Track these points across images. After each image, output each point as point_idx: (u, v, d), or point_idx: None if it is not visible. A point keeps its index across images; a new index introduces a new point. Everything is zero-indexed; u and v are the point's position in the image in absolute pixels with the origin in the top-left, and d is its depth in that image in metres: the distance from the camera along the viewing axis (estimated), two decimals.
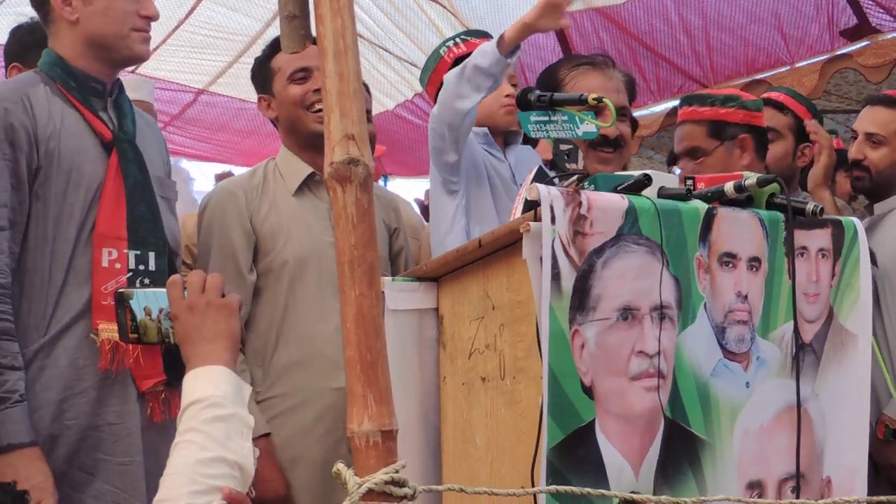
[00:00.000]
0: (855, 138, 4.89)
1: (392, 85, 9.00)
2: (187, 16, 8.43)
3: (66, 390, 3.44)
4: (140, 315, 2.74)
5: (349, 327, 2.07)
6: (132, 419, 3.52)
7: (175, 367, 3.50)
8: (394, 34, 8.67)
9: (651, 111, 8.33)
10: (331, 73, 2.08)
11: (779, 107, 4.90)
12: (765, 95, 5.03)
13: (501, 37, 3.74)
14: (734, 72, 7.97)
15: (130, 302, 2.74)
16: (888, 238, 4.67)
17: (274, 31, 5.11)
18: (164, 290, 2.72)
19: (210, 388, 2.53)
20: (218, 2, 8.40)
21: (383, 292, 3.22)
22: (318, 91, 3.89)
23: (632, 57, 8.14)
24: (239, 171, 8.27)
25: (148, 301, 2.75)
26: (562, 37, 8.25)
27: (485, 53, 3.74)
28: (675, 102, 7.70)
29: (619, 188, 3.01)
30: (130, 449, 3.51)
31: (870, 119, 4.88)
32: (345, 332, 2.08)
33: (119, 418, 3.51)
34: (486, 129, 4.02)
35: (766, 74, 7.80)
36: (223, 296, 2.68)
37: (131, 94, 4.05)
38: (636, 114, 8.10)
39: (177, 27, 8.47)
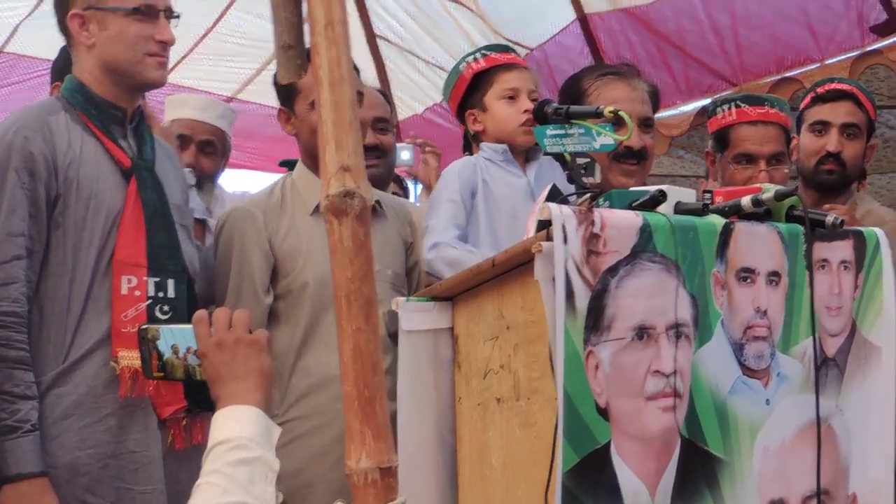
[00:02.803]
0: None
1: (420, 89, 8.97)
2: (215, 24, 8.43)
3: (85, 418, 3.43)
4: (167, 354, 2.73)
5: (346, 362, 2.04)
6: (153, 447, 3.51)
7: (196, 394, 3.49)
8: (421, 38, 8.65)
9: (681, 110, 8.25)
10: (326, 104, 2.05)
11: (857, 102, 4.72)
12: (835, 87, 4.79)
13: None
14: (764, 70, 7.89)
15: (157, 342, 2.73)
16: None
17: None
18: (189, 326, 2.70)
19: (237, 428, 2.51)
20: (245, 10, 8.39)
21: (397, 313, 3.21)
22: None
23: (661, 56, 8.07)
24: (272, 177, 8.25)
25: (175, 339, 2.74)
26: (590, 38, 8.20)
27: None
28: (705, 102, 7.66)
29: (633, 205, 2.96)
30: (152, 477, 3.50)
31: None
32: (342, 367, 2.06)
33: (140, 446, 3.49)
34: (505, 147, 3.97)
35: (795, 72, 7.70)
36: (250, 332, 2.66)
37: (201, 114, 4.10)
38: (666, 114, 8.06)
39: (204, 35, 8.47)
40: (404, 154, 6.77)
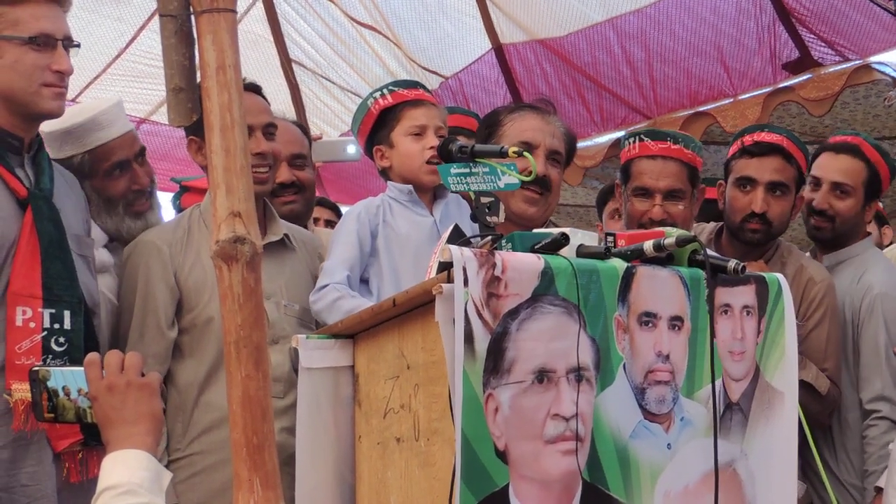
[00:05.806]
0: (814, 184, 4.73)
1: (335, 115, 8.93)
2: (128, 45, 8.33)
3: None
4: (59, 395, 2.69)
5: (235, 409, 2.01)
6: (47, 481, 3.44)
7: (92, 427, 3.43)
8: (337, 64, 8.61)
9: (595, 142, 8.29)
10: (217, 149, 2.02)
11: (786, 156, 4.53)
12: (764, 138, 4.57)
13: None
14: (677, 104, 7.94)
15: (48, 382, 2.70)
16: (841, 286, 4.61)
17: None
18: (81, 369, 2.67)
19: (127, 474, 2.49)
20: (159, 32, 8.30)
21: (297, 349, 3.18)
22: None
23: (575, 88, 8.11)
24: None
25: (66, 380, 2.71)
26: (505, 68, 8.21)
27: None
28: (619, 134, 7.70)
29: (535, 247, 2.95)
30: None
31: (836, 168, 4.72)
32: (231, 415, 2.02)
33: (33, 480, 3.42)
34: (410, 187, 3.94)
35: (709, 106, 7.78)
36: (143, 375, 2.62)
37: (116, 129, 3.98)
38: (581, 145, 8.08)
39: (117, 56, 8.36)
40: (350, 148, 6.55)
